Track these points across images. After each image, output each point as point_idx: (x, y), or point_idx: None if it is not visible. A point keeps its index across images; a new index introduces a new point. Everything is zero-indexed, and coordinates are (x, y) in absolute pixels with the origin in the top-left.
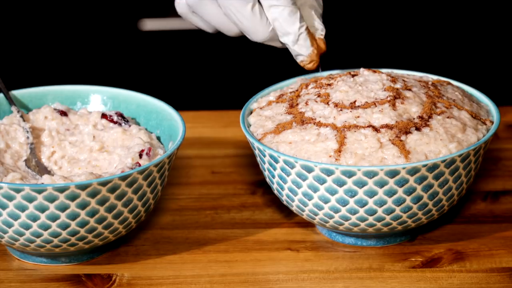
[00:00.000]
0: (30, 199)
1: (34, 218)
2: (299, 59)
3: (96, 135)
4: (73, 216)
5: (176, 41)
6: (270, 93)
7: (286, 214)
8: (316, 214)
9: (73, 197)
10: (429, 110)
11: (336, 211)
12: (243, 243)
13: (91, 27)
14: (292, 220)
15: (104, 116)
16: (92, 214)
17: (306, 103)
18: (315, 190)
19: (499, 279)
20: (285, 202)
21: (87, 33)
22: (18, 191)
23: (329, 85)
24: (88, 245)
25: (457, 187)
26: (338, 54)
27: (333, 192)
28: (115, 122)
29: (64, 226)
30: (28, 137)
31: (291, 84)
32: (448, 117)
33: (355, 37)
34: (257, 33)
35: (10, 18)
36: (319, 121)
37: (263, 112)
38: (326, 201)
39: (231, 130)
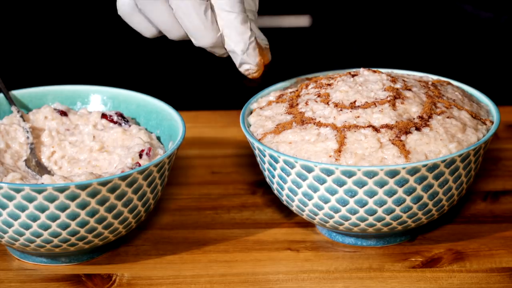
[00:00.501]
0: (30, 199)
1: (34, 218)
2: (244, 68)
3: (96, 135)
4: (73, 216)
5: (176, 41)
6: (270, 93)
7: (286, 214)
8: (316, 214)
9: (73, 197)
10: (429, 110)
11: (336, 211)
12: (243, 243)
13: (91, 27)
14: (292, 220)
15: (104, 116)
16: (92, 214)
17: (306, 103)
18: (315, 190)
19: (499, 279)
20: (285, 202)
21: (87, 33)
22: (18, 191)
23: (329, 85)
24: (88, 245)
25: (457, 187)
26: (338, 54)
27: (333, 192)
28: (115, 122)
29: (64, 226)
30: (28, 137)
31: (291, 84)
32: (448, 117)
33: (354, 37)
34: (204, 38)
35: (10, 18)
36: (319, 121)
37: (263, 112)
38: (326, 201)
39: (231, 130)
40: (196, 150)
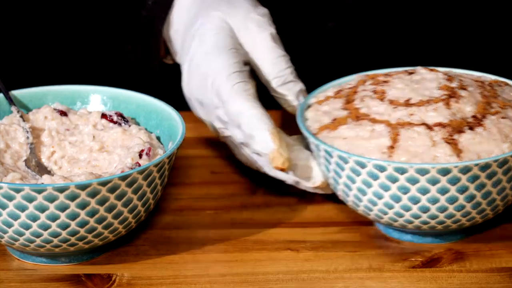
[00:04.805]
0: (30, 199)
1: (34, 218)
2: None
3: (96, 135)
4: (73, 216)
5: None
6: (329, 88)
7: (286, 214)
8: (370, 210)
9: (73, 197)
10: (483, 109)
11: (390, 207)
12: (243, 243)
13: (91, 27)
14: (292, 220)
15: (104, 116)
16: (92, 214)
17: (362, 99)
18: (369, 185)
19: (499, 279)
20: (340, 198)
21: (87, 33)
22: (18, 191)
23: (386, 82)
24: (88, 245)
25: (511, 187)
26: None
27: (386, 189)
28: (115, 122)
29: (64, 226)
30: (28, 137)
31: (350, 81)
32: (502, 118)
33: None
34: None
35: (10, 18)
36: (374, 118)
37: (321, 107)
38: (380, 197)
39: None
40: (196, 150)
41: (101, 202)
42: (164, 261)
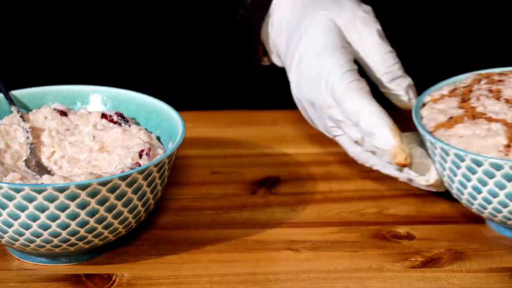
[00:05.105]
0: (30, 199)
1: (34, 218)
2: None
3: (96, 135)
4: (73, 216)
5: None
6: (443, 87)
7: (286, 214)
8: (485, 208)
9: (73, 197)
10: None
11: (505, 206)
12: (243, 243)
13: (91, 27)
14: (292, 220)
15: (104, 116)
16: (92, 214)
17: (478, 98)
18: (484, 184)
19: (499, 279)
20: (455, 196)
21: (87, 33)
22: (18, 191)
23: (501, 81)
24: (88, 245)
25: None
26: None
27: (502, 187)
28: (115, 122)
29: (64, 226)
30: (28, 137)
31: (463, 79)
32: None
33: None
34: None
35: (10, 18)
36: (490, 116)
37: (436, 105)
38: (495, 195)
39: (231, 130)
40: (196, 150)
41: (101, 202)
42: (164, 261)
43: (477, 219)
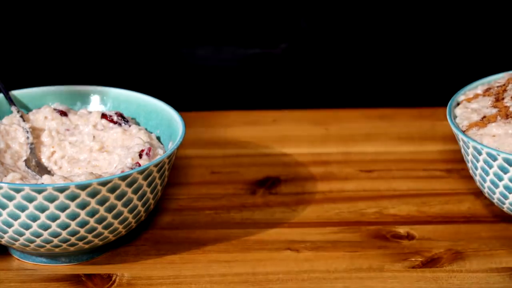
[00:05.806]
0: (30, 199)
1: (34, 218)
2: None
3: (96, 135)
4: (73, 216)
5: (175, 38)
6: (478, 86)
7: (286, 214)
8: None
9: (73, 197)
10: None
11: None
12: (243, 243)
13: (91, 27)
14: (292, 220)
15: (104, 116)
16: (92, 214)
17: None
18: None
19: (499, 279)
20: (486, 195)
21: (86, 33)
22: (18, 191)
23: None
24: (88, 245)
25: None
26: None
27: None
28: (115, 122)
29: (64, 226)
30: (28, 137)
31: (498, 79)
32: None
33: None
34: None
35: (10, 18)
36: None
37: (470, 104)
38: None
39: (231, 130)
40: (196, 150)
41: (101, 202)
42: (164, 261)
43: (477, 219)
